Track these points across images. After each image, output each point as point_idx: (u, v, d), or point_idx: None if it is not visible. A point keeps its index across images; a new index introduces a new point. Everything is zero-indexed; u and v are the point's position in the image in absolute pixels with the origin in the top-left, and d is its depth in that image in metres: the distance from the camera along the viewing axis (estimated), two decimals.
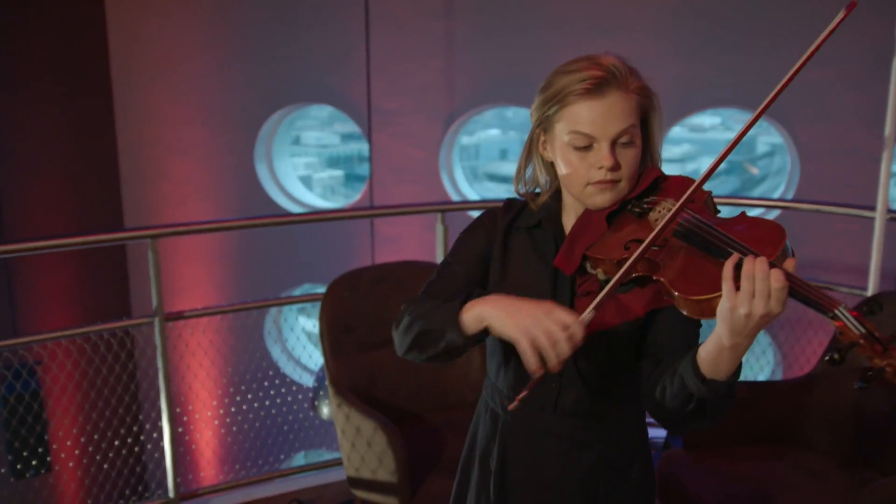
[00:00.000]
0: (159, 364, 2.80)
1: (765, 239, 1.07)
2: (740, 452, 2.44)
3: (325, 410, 4.04)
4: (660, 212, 1.22)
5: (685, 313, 1.08)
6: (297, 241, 6.15)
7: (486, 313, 1.17)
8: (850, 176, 4.48)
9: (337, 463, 3.23)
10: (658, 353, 1.27)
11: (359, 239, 6.08)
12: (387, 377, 2.71)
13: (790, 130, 4.75)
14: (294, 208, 6.36)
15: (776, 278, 0.99)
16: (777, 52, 4.62)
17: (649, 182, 1.27)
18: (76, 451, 4.12)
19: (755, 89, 4.77)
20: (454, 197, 5.86)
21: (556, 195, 1.37)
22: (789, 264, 1.02)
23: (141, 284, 6.74)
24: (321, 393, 3.91)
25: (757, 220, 1.13)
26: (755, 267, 0.99)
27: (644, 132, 1.28)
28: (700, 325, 1.29)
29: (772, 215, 4.78)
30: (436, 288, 1.35)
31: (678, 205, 1.14)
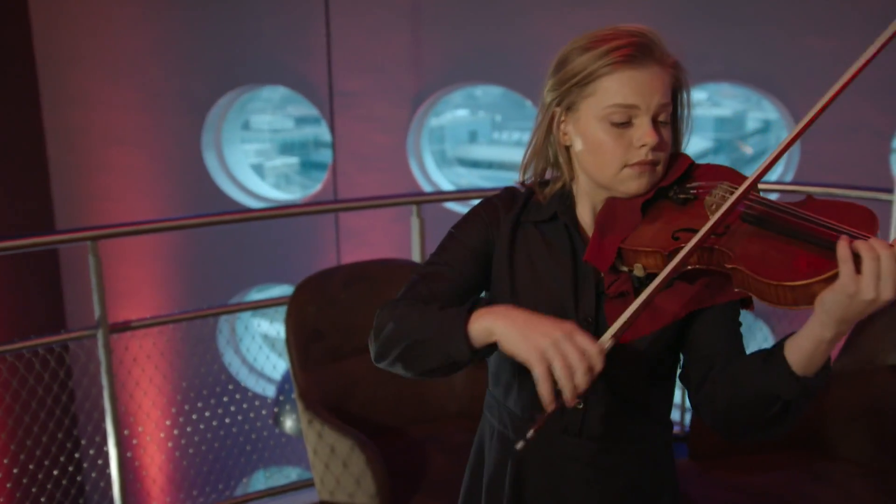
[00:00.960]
0: (104, 381, 2.71)
1: (858, 222, 1.03)
2: (752, 461, 2.43)
3: (289, 424, 4.00)
4: (718, 196, 1.17)
5: (770, 304, 1.03)
6: (252, 237, 6.08)
7: (497, 328, 1.08)
8: (855, 155, 4.52)
9: (307, 485, 3.17)
10: (708, 356, 1.22)
11: (321, 233, 6.02)
12: (362, 389, 2.66)
13: (788, 106, 4.77)
14: (247, 200, 6.28)
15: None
16: (771, 21, 4.64)
17: (684, 169, 1.24)
18: (7, 484, 4.00)
19: (748, 62, 4.79)
20: (424, 185, 5.82)
21: (566, 190, 1.31)
22: None
23: (77, 291, 6.60)
24: (287, 407, 3.85)
25: (834, 203, 1.09)
26: (878, 247, 0.95)
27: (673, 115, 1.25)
28: (741, 323, 1.25)
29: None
30: (420, 289, 1.25)
31: (748, 182, 1.09)
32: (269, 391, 5.69)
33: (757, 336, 4.92)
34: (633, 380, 1.26)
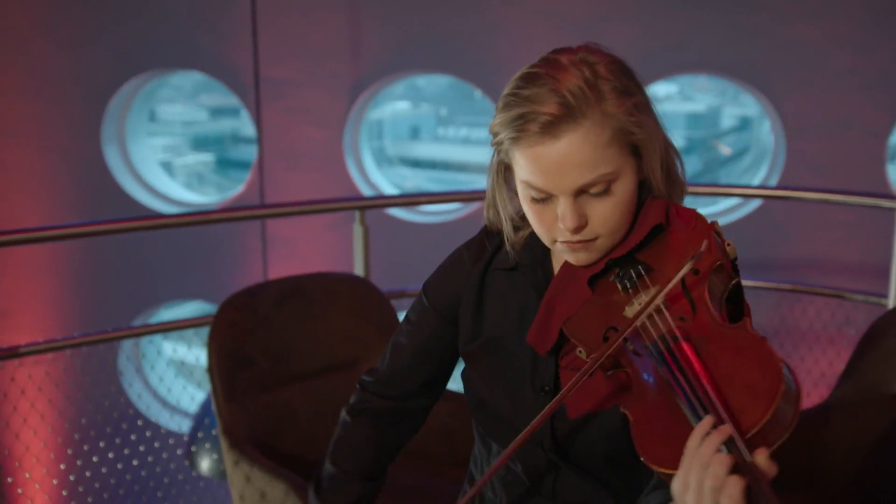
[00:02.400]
0: None
1: (755, 391, 1.00)
2: None
3: (206, 465, 3.96)
4: (636, 306, 1.16)
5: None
6: (162, 246, 5.99)
7: None
8: (845, 155, 4.65)
9: None
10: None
11: (242, 242, 5.96)
12: (298, 423, 2.63)
13: (772, 100, 4.88)
14: (156, 204, 6.19)
15: (731, 487, 0.95)
16: (754, 5, 4.74)
17: (645, 234, 1.21)
18: None
19: (727, 50, 4.89)
20: (363, 187, 5.81)
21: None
22: (761, 456, 0.97)
23: None
24: (206, 445, 3.80)
25: (756, 347, 1.05)
26: (710, 457, 0.96)
27: (637, 157, 1.20)
28: None
29: (750, 207, 4.91)
30: (394, 358, 1.49)
31: (635, 317, 1.12)
32: (184, 426, 5.60)
33: None
34: (595, 459, 1.29)
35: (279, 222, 5.80)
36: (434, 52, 5.42)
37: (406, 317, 1.48)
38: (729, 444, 0.96)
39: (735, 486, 0.94)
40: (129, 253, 6.09)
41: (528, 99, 1.14)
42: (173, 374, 6.15)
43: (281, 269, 5.67)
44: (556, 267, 1.32)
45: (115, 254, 6.13)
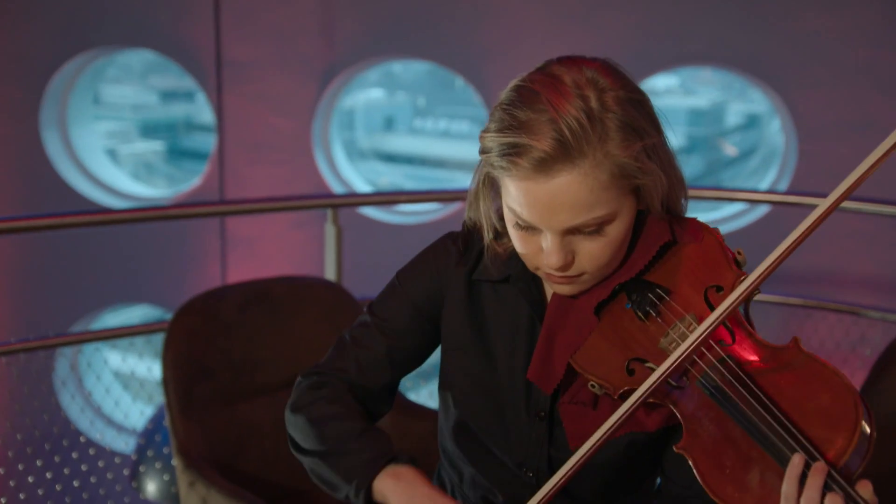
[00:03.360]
0: None
1: (832, 417, 1.02)
2: None
3: (154, 487, 3.95)
4: (673, 337, 1.16)
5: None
6: (105, 244, 5.96)
7: (392, 497, 1.24)
8: (860, 159, 4.69)
9: None
10: (679, 495, 1.29)
11: (199, 240, 5.95)
12: (261, 441, 2.64)
13: (783, 96, 4.94)
14: (100, 196, 6.16)
15: None
16: None
17: (653, 254, 1.22)
18: None
19: (733, 42, 4.94)
20: (332, 183, 5.82)
21: None
22: (866, 490, 1.00)
23: None
24: (156, 464, 3.79)
25: (814, 367, 1.07)
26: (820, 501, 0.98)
27: (636, 195, 1.21)
28: None
29: (757, 213, 4.96)
30: (347, 361, 1.41)
31: (688, 346, 1.10)
32: (132, 444, 5.58)
33: None
34: (590, 489, 1.32)
35: (239, 220, 5.79)
36: (413, 36, 5.44)
37: (372, 309, 1.43)
38: (828, 483, 0.98)
39: None
40: (69, 251, 6.06)
41: (523, 126, 1.11)
42: (121, 387, 6.12)
43: (240, 271, 5.67)
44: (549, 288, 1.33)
45: (54, 251, 6.10)
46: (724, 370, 1.10)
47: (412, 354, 1.42)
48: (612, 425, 1.11)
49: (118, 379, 6.36)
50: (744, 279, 1.11)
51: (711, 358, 1.12)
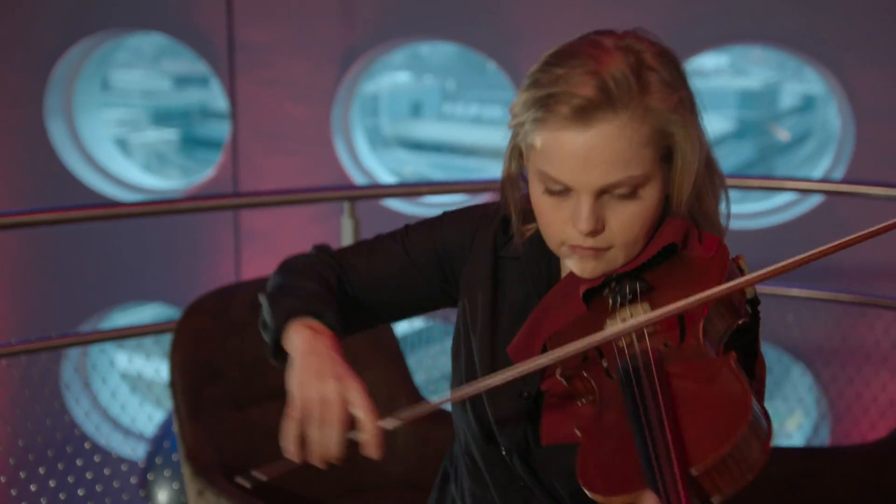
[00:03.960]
0: None
1: (712, 426, 1.07)
2: None
3: (163, 496, 3.98)
4: (624, 319, 1.22)
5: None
6: (114, 239, 6.01)
7: (295, 349, 1.26)
8: None
9: None
10: None
11: (213, 235, 5.99)
12: (273, 447, 2.64)
13: (838, 76, 4.91)
14: (109, 189, 6.22)
15: None
16: None
17: (655, 252, 1.26)
18: None
19: (785, 17, 4.91)
20: (354, 174, 5.84)
21: None
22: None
23: None
24: (165, 472, 3.83)
25: (731, 379, 1.11)
26: None
27: (668, 165, 1.25)
28: None
29: (810, 203, 4.93)
30: (363, 256, 1.48)
31: (619, 332, 1.16)
32: (140, 451, 5.64)
33: (797, 384, 5.04)
34: (569, 484, 1.33)
35: (254, 213, 5.81)
36: (439, 16, 5.44)
37: (408, 227, 1.49)
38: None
39: None
40: (75, 246, 6.11)
41: (561, 78, 1.17)
42: (128, 390, 6.17)
43: (256, 267, 5.69)
44: (565, 271, 1.38)
45: (60, 247, 6.16)
46: (640, 362, 1.15)
47: (413, 291, 1.47)
48: (532, 367, 1.17)
49: (125, 381, 6.44)
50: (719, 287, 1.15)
51: (637, 349, 1.17)
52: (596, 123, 1.15)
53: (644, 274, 1.26)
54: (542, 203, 1.25)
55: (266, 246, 5.85)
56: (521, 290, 1.39)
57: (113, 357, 5.65)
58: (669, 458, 1.03)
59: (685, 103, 1.21)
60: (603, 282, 1.27)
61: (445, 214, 1.48)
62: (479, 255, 1.42)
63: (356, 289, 1.45)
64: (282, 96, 5.78)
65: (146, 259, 6.16)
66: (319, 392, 1.18)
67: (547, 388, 1.27)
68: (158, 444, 3.99)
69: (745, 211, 5.21)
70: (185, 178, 8.66)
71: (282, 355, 1.31)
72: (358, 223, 3.18)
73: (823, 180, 4.67)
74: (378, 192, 3.34)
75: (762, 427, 1.07)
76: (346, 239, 3.20)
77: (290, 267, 1.44)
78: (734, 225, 4.70)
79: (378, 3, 5.57)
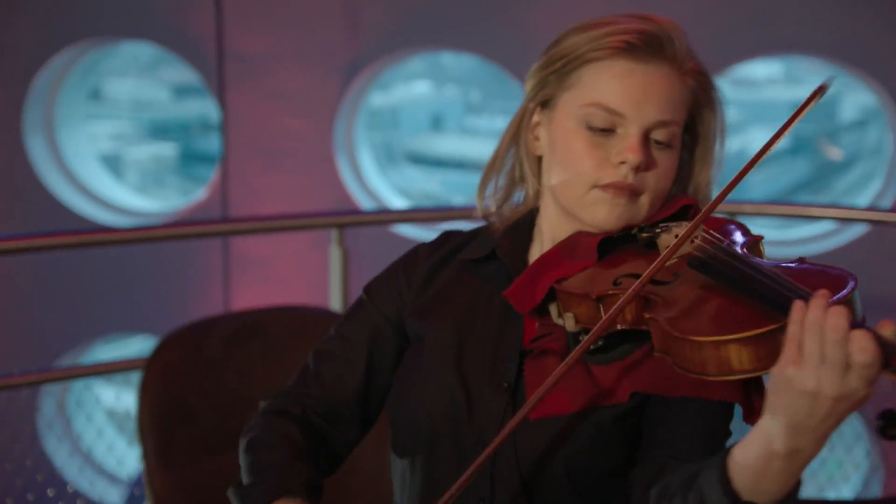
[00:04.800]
0: None
1: (826, 283, 1.12)
2: None
3: None
4: (675, 235, 1.31)
5: (681, 370, 1.16)
6: (102, 266, 6.03)
7: None
8: None
9: None
10: (660, 455, 1.32)
11: (207, 262, 6.00)
12: None
13: (890, 91, 4.91)
14: (93, 212, 6.25)
15: (860, 342, 1.01)
16: None
17: (675, 210, 1.40)
18: None
19: (836, 25, 4.91)
20: (358, 196, 5.85)
21: (529, 219, 1.49)
22: (887, 328, 1.05)
23: None
24: None
25: (814, 265, 1.22)
26: (826, 318, 1.03)
27: (689, 143, 1.43)
28: (730, 434, 1.37)
29: (857, 230, 4.91)
30: (309, 380, 1.54)
31: (698, 218, 1.25)
32: (113, 499, 5.63)
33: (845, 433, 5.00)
34: (563, 475, 1.35)
35: (249, 239, 5.82)
36: (453, 24, 5.45)
37: (338, 324, 1.56)
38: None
39: (864, 336, 1.01)
40: (57, 274, 6.11)
41: (615, 22, 1.35)
42: (115, 430, 6.16)
43: (250, 298, 5.68)
44: (534, 257, 1.45)
45: (39, 275, 6.16)
46: (718, 245, 1.24)
47: (383, 370, 1.52)
48: (614, 310, 1.22)
49: (112, 420, 6.44)
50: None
51: (704, 243, 1.26)
52: (657, 61, 1.33)
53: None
54: (578, 143, 1.36)
55: (260, 275, 5.85)
56: (483, 285, 1.47)
57: (98, 393, 5.64)
58: (795, 286, 1.10)
59: (718, 105, 1.41)
60: (622, 235, 1.37)
61: (367, 287, 1.58)
62: (417, 281, 1.51)
63: (332, 403, 1.52)
64: (280, 110, 5.81)
65: (133, 288, 6.16)
66: None
67: (530, 366, 1.33)
68: (143, 487, 4.01)
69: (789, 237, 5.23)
70: (183, 196, 8.71)
71: None
72: (347, 253, 3.19)
73: (871, 208, 4.65)
74: (369, 218, 3.35)
75: None
76: (334, 272, 3.20)
77: (251, 445, 1.52)
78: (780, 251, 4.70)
79: (385, 9, 5.60)
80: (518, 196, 1.51)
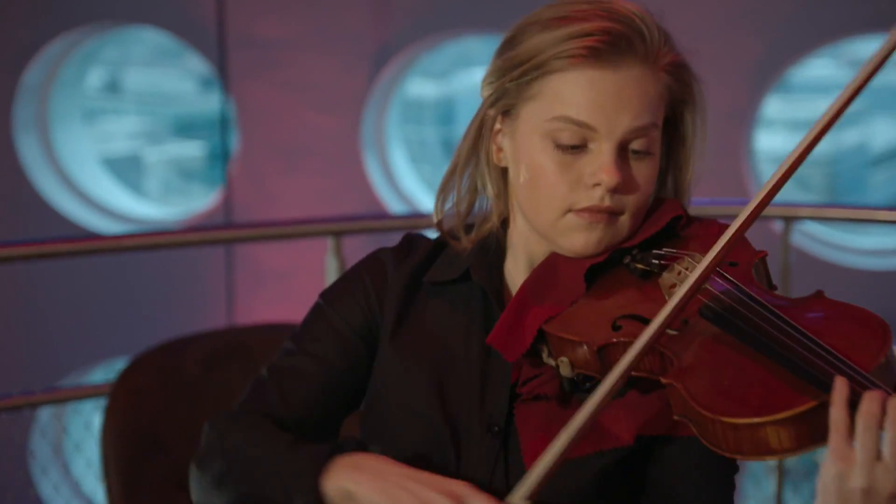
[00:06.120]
0: None
1: (860, 340, 1.15)
2: None
3: None
4: (680, 273, 1.31)
5: (714, 447, 1.17)
6: (102, 278, 6.09)
7: (361, 490, 1.27)
8: None
9: None
10: None
11: (215, 275, 6.04)
12: None
13: None
14: (91, 219, 6.35)
15: None
16: None
17: (663, 224, 1.40)
18: None
19: None
20: (386, 196, 5.89)
21: (496, 232, 1.49)
22: None
23: None
24: None
25: (838, 306, 1.23)
26: (886, 410, 1.05)
27: (667, 140, 1.43)
28: (736, 470, 1.38)
29: None
30: (270, 396, 1.50)
31: (709, 259, 1.23)
32: None
33: None
34: None
35: (269, 250, 5.88)
36: (489, 5, 5.45)
37: (293, 336, 1.55)
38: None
39: None
40: (54, 289, 6.24)
41: (583, 17, 1.34)
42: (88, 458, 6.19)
43: (271, 311, 5.70)
44: (513, 278, 1.47)
45: (31, 289, 6.27)
46: (736, 292, 1.25)
47: (348, 388, 1.51)
48: (609, 389, 1.20)
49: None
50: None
51: (716, 288, 1.27)
52: (627, 64, 1.33)
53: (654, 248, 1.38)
54: (547, 165, 1.37)
55: (281, 289, 5.86)
56: (455, 313, 1.47)
57: (88, 420, 5.66)
58: (832, 354, 1.11)
59: (698, 98, 1.42)
60: (609, 258, 1.38)
61: (324, 294, 1.56)
62: (390, 298, 1.50)
63: (297, 418, 1.49)
64: (299, 103, 5.85)
65: (140, 304, 6.22)
66: None
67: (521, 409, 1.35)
68: None
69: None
70: (205, 199, 8.72)
71: None
72: (344, 263, 3.20)
73: None
74: (371, 224, 3.34)
75: None
76: (331, 280, 3.22)
77: (229, 447, 1.44)
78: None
79: None
80: (481, 204, 1.51)
